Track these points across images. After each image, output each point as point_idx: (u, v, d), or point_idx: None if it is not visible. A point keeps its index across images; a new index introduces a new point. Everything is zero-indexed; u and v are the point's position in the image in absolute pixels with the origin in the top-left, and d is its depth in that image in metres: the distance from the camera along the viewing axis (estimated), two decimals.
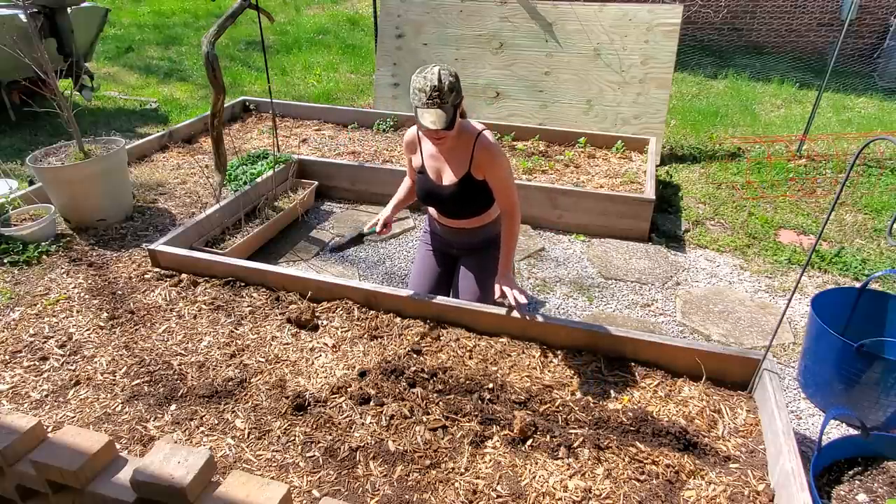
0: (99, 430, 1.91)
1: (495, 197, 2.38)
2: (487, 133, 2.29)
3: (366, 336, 2.47)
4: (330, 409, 2.10)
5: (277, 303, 2.69)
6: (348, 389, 2.17)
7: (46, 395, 2.21)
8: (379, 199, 4.14)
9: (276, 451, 1.94)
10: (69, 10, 5.17)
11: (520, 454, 1.92)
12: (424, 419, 2.04)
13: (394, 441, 1.96)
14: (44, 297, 2.82)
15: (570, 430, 2.01)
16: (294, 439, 1.99)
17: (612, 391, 2.20)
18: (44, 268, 3.09)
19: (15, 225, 3.32)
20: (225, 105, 4.01)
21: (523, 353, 2.38)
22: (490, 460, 1.90)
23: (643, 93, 4.77)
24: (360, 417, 2.06)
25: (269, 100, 4.80)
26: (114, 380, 2.27)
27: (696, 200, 4.26)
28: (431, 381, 2.20)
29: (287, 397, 2.15)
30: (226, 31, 3.34)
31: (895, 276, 3.36)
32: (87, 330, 2.57)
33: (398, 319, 2.56)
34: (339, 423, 2.04)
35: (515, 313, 2.44)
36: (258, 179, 3.79)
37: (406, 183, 2.61)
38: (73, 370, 2.33)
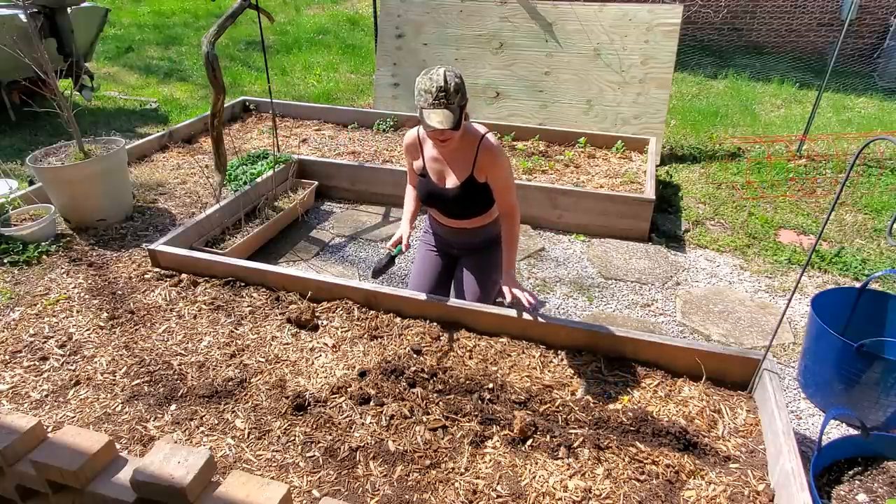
0: (99, 430, 1.91)
1: (495, 198, 2.38)
2: (490, 136, 2.30)
3: (366, 336, 2.47)
4: (330, 409, 2.10)
5: (277, 303, 2.69)
6: (348, 389, 2.17)
7: (46, 395, 2.21)
8: (379, 199, 4.14)
9: (276, 451, 1.94)
10: (69, 10, 5.17)
11: (520, 454, 1.92)
12: (424, 419, 2.04)
13: (394, 441, 1.96)
14: (44, 297, 2.82)
15: (570, 430, 2.01)
16: (294, 439, 1.99)
17: (612, 391, 2.20)
18: (44, 268, 3.09)
19: (15, 225, 3.32)
20: (225, 105, 4.01)
21: (523, 353, 2.38)
22: (490, 460, 1.90)
23: (643, 93, 4.77)
24: (360, 417, 2.06)
25: (269, 100, 4.80)
26: (114, 380, 2.27)
27: (696, 200, 4.26)
28: (431, 381, 2.20)
29: (287, 397, 2.15)
30: (226, 31, 3.34)
31: (895, 276, 3.36)
32: (87, 330, 2.57)
33: (398, 319, 2.56)
34: (339, 423, 2.04)
35: (526, 315, 2.43)
36: (258, 179, 3.79)
37: (411, 192, 2.58)
38: (73, 370, 2.33)
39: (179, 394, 2.19)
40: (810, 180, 4.51)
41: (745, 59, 7.79)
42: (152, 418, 2.09)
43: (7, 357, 2.41)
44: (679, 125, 5.71)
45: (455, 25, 5.21)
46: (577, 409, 2.10)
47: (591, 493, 1.79)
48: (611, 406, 2.13)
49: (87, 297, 2.81)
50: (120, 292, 2.82)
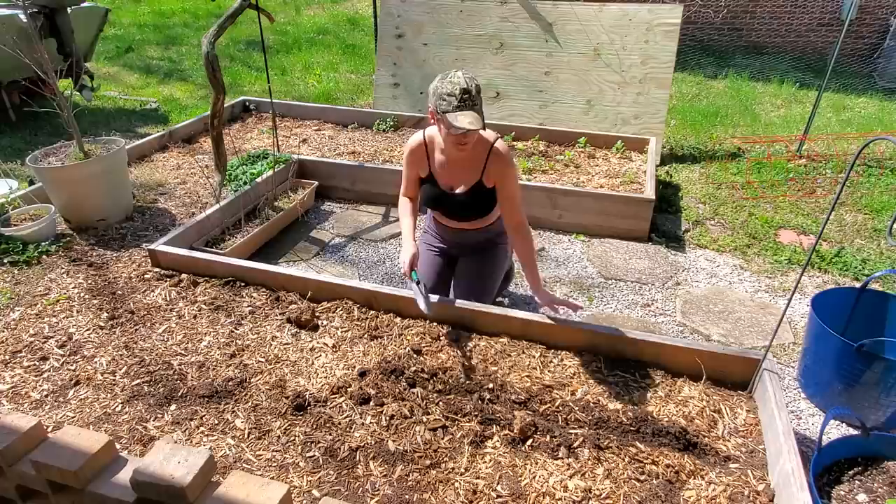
0: (99, 430, 1.91)
1: (504, 211, 2.37)
2: (501, 142, 2.31)
3: (366, 336, 2.47)
4: (330, 409, 2.10)
5: (277, 303, 2.69)
6: (348, 389, 2.17)
7: (46, 395, 2.21)
8: (379, 199, 4.14)
9: (276, 451, 1.94)
10: (69, 10, 5.17)
11: (520, 454, 1.92)
12: (424, 419, 2.04)
13: (394, 441, 1.96)
14: (44, 297, 2.82)
15: (570, 430, 2.01)
16: (294, 439, 1.99)
17: (612, 391, 2.20)
18: (44, 268, 3.09)
19: (15, 225, 3.32)
20: (225, 105, 4.01)
21: (523, 353, 2.38)
22: (490, 460, 1.90)
23: (643, 93, 4.77)
24: (360, 417, 2.06)
25: (269, 100, 4.80)
26: (114, 380, 2.27)
27: (696, 200, 4.26)
28: (431, 381, 2.20)
29: (287, 397, 2.15)
30: (226, 31, 3.34)
31: (895, 276, 3.36)
32: (87, 330, 2.57)
33: (398, 319, 2.56)
34: (339, 423, 2.04)
35: (561, 313, 2.40)
36: (258, 179, 3.79)
37: (407, 206, 2.50)
38: (73, 370, 2.33)
39: (179, 394, 2.19)
40: (810, 180, 4.51)
41: (745, 59, 7.79)
42: (152, 418, 2.09)
43: (7, 357, 2.41)
44: (679, 125, 5.71)
45: (455, 25, 5.21)
46: (577, 409, 2.10)
47: (591, 493, 1.79)
48: (611, 406, 2.13)
49: (87, 297, 2.81)
50: (120, 292, 2.82)
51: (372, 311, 2.61)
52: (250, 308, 2.66)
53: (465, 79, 2.07)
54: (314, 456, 1.92)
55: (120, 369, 2.33)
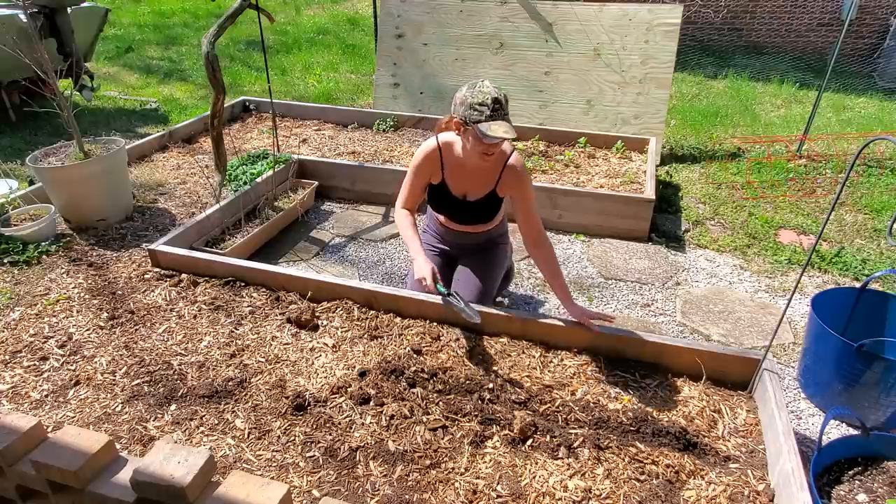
0: (99, 430, 1.91)
1: (522, 223, 2.36)
2: (517, 155, 2.33)
3: (366, 336, 2.47)
4: (330, 409, 2.10)
5: (277, 303, 2.69)
6: (348, 389, 2.17)
7: (46, 395, 2.21)
8: (379, 199, 4.14)
9: (276, 451, 1.94)
10: (69, 10, 5.17)
11: (520, 454, 1.92)
12: (424, 419, 2.04)
13: (394, 441, 1.96)
14: (44, 297, 2.82)
15: (570, 430, 2.01)
16: (294, 439, 1.99)
17: (612, 391, 2.20)
18: (44, 268, 3.09)
19: (15, 225, 3.32)
20: (225, 105, 4.01)
21: (523, 353, 2.38)
22: (490, 460, 1.90)
23: (643, 93, 4.77)
24: (360, 417, 2.06)
25: (269, 100, 4.80)
26: (114, 380, 2.27)
27: (696, 200, 4.26)
28: (431, 381, 2.20)
29: (287, 397, 2.15)
30: (226, 31, 3.34)
31: (895, 276, 3.36)
32: (87, 330, 2.57)
33: (398, 319, 2.56)
34: (339, 423, 2.04)
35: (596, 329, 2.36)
36: (258, 179, 3.79)
37: (408, 218, 2.43)
38: (73, 370, 2.33)
39: (179, 394, 2.19)
40: (810, 180, 4.51)
41: (745, 59, 7.79)
42: (152, 418, 2.09)
43: (7, 357, 2.41)
44: (679, 125, 5.71)
45: (455, 25, 5.21)
46: (577, 409, 2.10)
47: (591, 493, 1.79)
48: (611, 406, 2.13)
49: (87, 297, 2.81)
50: (120, 292, 2.82)
51: (372, 311, 2.61)
52: (250, 308, 2.66)
53: (493, 88, 2.07)
54: (314, 456, 1.92)
55: (120, 369, 2.33)
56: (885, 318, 2.60)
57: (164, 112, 6.02)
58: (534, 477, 1.84)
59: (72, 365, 2.36)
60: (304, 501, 1.78)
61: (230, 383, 2.22)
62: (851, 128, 5.64)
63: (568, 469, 1.87)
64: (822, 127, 5.64)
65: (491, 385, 2.19)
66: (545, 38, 4.99)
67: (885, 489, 1.96)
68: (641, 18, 4.75)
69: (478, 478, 1.84)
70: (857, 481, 2.00)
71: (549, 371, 2.30)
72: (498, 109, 2.05)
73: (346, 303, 2.65)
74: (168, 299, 2.74)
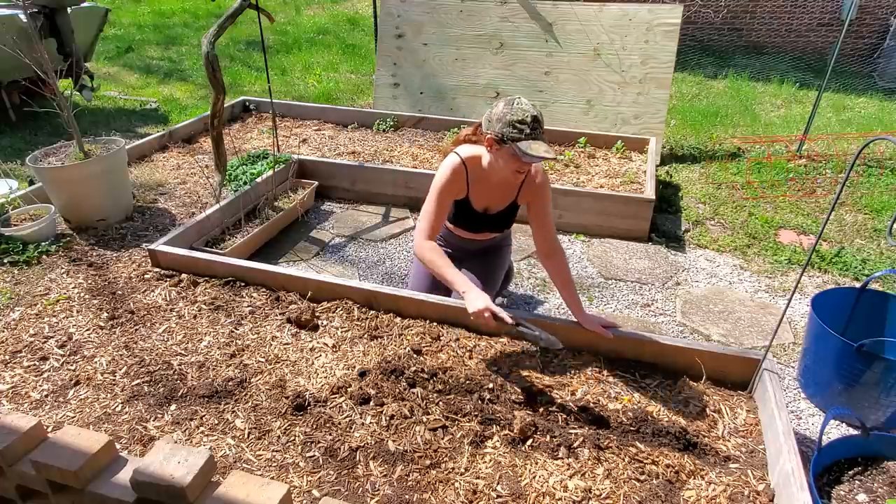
0: (99, 430, 1.91)
1: (538, 229, 2.32)
2: (538, 164, 2.31)
3: (366, 336, 2.47)
4: (330, 409, 2.10)
5: (277, 303, 2.69)
6: (348, 389, 2.17)
7: (46, 395, 2.21)
8: (379, 199, 4.14)
9: (276, 451, 1.94)
10: (69, 10, 5.17)
11: (520, 454, 1.92)
12: (424, 419, 2.04)
13: (394, 441, 1.96)
14: (44, 297, 2.82)
15: (570, 430, 2.01)
16: (294, 439, 1.99)
17: (612, 391, 2.20)
18: (44, 268, 3.09)
19: (15, 225, 3.32)
20: (225, 105, 4.01)
21: (523, 353, 2.38)
22: (490, 460, 1.90)
23: (643, 93, 4.77)
24: (360, 417, 2.06)
25: (269, 100, 4.80)
26: (114, 380, 2.27)
27: (696, 200, 4.26)
28: (431, 381, 2.20)
29: (287, 397, 2.15)
30: (226, 31, 3.34)
31: (895, 276, 3.36)
32: (87, 330, 2.57)
33: (398, 319, 2.56)
34: (339, 423, 2.04)
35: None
36: (258, 179, 3.79)
37: (439, 250, 2.21)
38: (73, 370, 2.33)
39: (179, 394, 2.19)
40: (810, 180, 4.51)
41: (745, 59, 7.79)
42: (152, 418, 2.09)
43: (7, 357, 2.41)
44: (679, 125, 5.71)
45: (455, 25, 5.21)
46: (577, 409, 2.10)
47: (591, 493, 1.79)
48: (611, 406, 2.13)
49: (87, 297, 2.81)
50: (120, 292, 2.82)
51: (372, 311, 2.61)
52: (250, 308, 2.66)
53: (531, 106, 2.04)
54: (314, 456, 1.92)
55: (120, 369, 2.33)
56: (885, 318, 2.60)
57: (164, 112, 6.02)
58: (534, 477, 1.84)
59: (72, 365, 2.36)
60: (304, 501, 1.78)
61: (230, 383, 2.22)
62: (851, 128, 5.64)
63: (568, 469, 1.87)
64: (822, 127, 5.64)
65: (491, 385, 2.19)
66: (545, 38, 4.99)
67: (885, 489, 1.96)
68: (641, 18, 4.75)
69: (478, 478, 1.84)
70: (857, 481, 2.00)
71: (548, 371, 2.30)
72: (536, 128, 2.02)
73: (346, 303, 2.65)
74: (168, 299, 2.74)
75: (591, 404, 2.13)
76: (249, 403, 2.14)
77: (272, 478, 1.85)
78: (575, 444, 1.95)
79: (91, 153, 3.45)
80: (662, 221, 3.95)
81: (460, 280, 2.11)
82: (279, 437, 2.00)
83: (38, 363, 2.38)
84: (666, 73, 4.71)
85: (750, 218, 3.98)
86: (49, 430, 2.01)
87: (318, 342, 2.46)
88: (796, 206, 4.14)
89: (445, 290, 2.66)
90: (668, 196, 4.29)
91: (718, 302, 3.18)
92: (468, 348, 2.40)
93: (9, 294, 2.85)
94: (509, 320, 2.04)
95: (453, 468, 1.87)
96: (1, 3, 5.12)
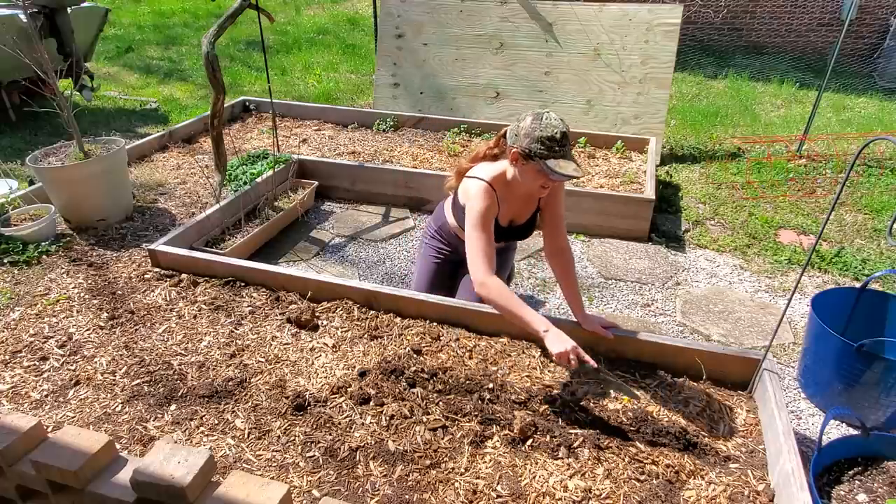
0: (99, 430, 1.91)
1: (551, 230, 2.32)
2: None
3: (366, 336, 2.47)
4: (330, 409, 2.10)
5: (277, 303, 2.69)
6: (348, 389, 2.17)
7: (46, 395, 2.21)
8: (379, 199, 4.14)
9: (276, 451, 1.95)
10: (69, 10, 5.17)
11: (520, 454, 1.92)
12: (424, 419, 2.04)
13: (394, 441, 1.96)
14: (44, 297, 2.82)
15: (570, 430, 2.01)
16: (294, 439, 1.99)
17: (612, 391, 2.20)
18: (44, 268, 3.09)
19: (15, 225, 3.32)
20: (225, 105, 4.01)
21: (523, 353, 2.38)
22: (490, 460, 1.90)
23: (643, 93, 4.77)
24: (360, 417, 2.06)
25: (269, 100, 4.80)
26: (114, 380, 2.27)
27: (696, 200, 4.26)
28: (431, 381, 2.20)
29: (287, 397, 2.15)
30: (226, 31, 3.34)
31: (895, 276, 3.36)
32: (87, 330, 2.57)
33: (398, 319, 2.56)
34: (339, 423, 2.04)
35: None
36: (258, 179, 3.79)
37: (506, 287, 2.09)
38: (73, 370, 2.33)
39: (179, 394, 2.19)
40: (810, 180, 4.51)
41: (745, 59, 7.79)
42: (152, 418, 2.09)
43: (7, 357, 2.41)
44: (679, 125, 5.71)
45: (455, 25, 5.21)
46: (577, 409, 2.10)
47: (591, 493, 1.79)
48: (611, 406, 2.13)
49: (87, 297, 2.81)
50: (120, 292, 2.82)
51: (372, 311, 2.61)
52: (250, 308, 2.66)
53: (560, 121, 1.99)
54: (314, 456, 1.92)
55: (120, 369, 2.33)
56: (885, 318, 2.60)
57: (164, 112, 6.02)
58: (534, 477, 1.84)
59: (72, 365, 2.36)
60: (304, 501, 1.78)
61: (230, 383, 2.22)
62: (851, 128, 5.64)
63: (568, 469, 1.87)
64: (822, 127, 5.64)
65: (491, 385, 2.19)
66: (545, 38, 4.99)
67: (885, 489, 1.96)
68: (641, 18, 4.75)
69: (478, 478, 1.84)
70: (857, 481, 2.00)
71: (549, 371, 2.30)
72: (565, 144, 1.98)
73: (346, 303, 2.65)
74: (168, 299, 2.74)
75: (591, 404, 2.13)
76: (249, 403, 2.14)
77: (272, 478, 1.85)
78: (575, 444, 1.95)
79: (91, 153, 3.45)
80: (662, 221, 3.95)
81: (539, 320, 1.99)
82: (279, 437, 2.00)
83: (38, 363, 2.38)
84: (666, 73, 4.71)
85: (750, 218, 3.98)
86: (49, 430, 2.01)
87: (318, 342, 2.46)
88: (796, 206, 4.14)
89: (448, 290, 2.66)
90: (668, 196, 4.29)
91: (718, 302, 3.18)
92: (468, 348, 2.40)
93: (9, 294, 2.85)
94: (594, 364, 1.95)
95: (453, 468, 1.87)
96: (1, 3, 5.12)
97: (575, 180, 2.01)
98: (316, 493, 1.80)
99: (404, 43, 5.35)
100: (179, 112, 6.00)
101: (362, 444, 1.95)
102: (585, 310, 2.33)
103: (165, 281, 2.87)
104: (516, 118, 2.10)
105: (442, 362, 2.32)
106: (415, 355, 2.33)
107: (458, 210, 2.36)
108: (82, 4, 5.37)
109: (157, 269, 2.98)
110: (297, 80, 7.07)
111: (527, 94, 5.07)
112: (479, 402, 2.11)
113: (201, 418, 2.08)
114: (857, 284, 2.97)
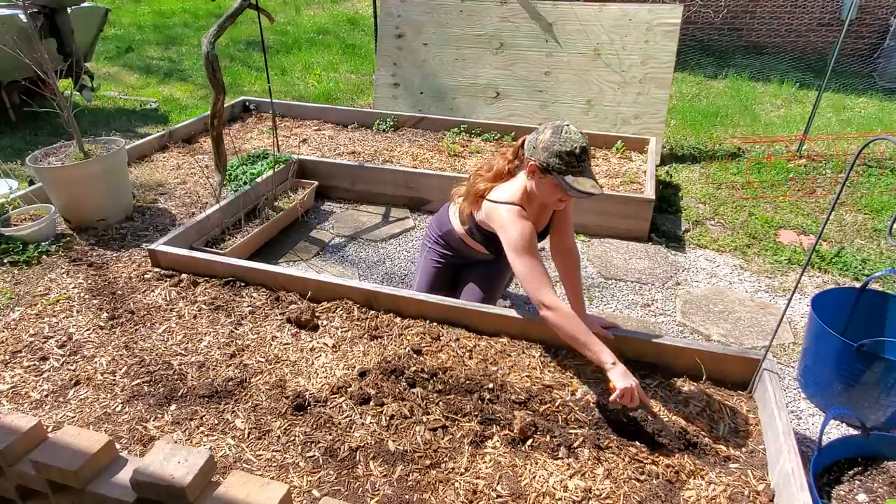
0: (99, 430, 1.91)
1: (559, 232, 2.32)
2: None
3: (366, 336, 2.47)
4: (330, 409, 2.10)
5: (277, 303, 2.69)
6: (348, 389, 2.17)
7: (46, 395, 2.21)
8: (379, 199, 4.14)
9: (276, 451, 1.95)
10: (69, 10, 5.17)
11: (520, 454, 1.92)
12: (424, 419, 2.04)
13: (394, 441, 1.96)
14: (44, 297, 2.82)
15: (570, 430, 2.01)
16: (294, 439, 1.99)
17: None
18: (44, 268, 3.09)
19: (15, 225, 3.32)
20: (225, 105, 4.01)
21: (523, 353, 2.38)
22: (490, 460, 1.90)
23: (643, 93, 4.77)
24: (360, 417, 2.06)
25: (269, 100, 4.80)
26: (114, 380, 2.27)
27: (696, 200, 4.26)
28: (431, 381, 2.20)
29: (287, 397, 2.15)
30: (226, 31, 3.34)
31: (895, 276, 3.36)
32: (87, 330, 2.57)
33: (398, 319, 2.56)
34: (339, 423, 2.04)
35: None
36: (258, 179, 3.79)
37: (576, 316, 2.05)
38: (73, 370, 2.33)
39: (179, 394, 2.19)
40: (810, 180, 4.51)
41: (745, 59, 7.79)
42: (152, 418, 2.09)
43: (7, 357, 2.41)
44: (679, 125, 5.71)
45: (455, 25, 5.21)
46: (577, 409, 2.10)
47: (591, 493, 1.79)
48: (611, 406, 2.13)
49: (87, 297, 2.81)
50: (120, 292, 2.82)
51: (372, 311, 2.61)
52: (250, 308, 2.66)
53: (580, 135, 1.95)
54: (314, 456, 1.92)
55: (120, 369, 2.33)
56: (885, 318, 2.60)
57: (164, 112, 6.02)
58: (534, 477, 1.84)
59: (72, 365, 2.36)
60: (304, 501, 1.78)
61: (230, 383, 2.22)
62: (851, 128, 5.64)
63: (568, 469, 1.87)
64: (822, 127, 5.64)
65: (491, 385, 2.19)
66: (545, 38, 4.99)
67: (885, 489, 1.96)
68: (641, 18, 4.75)
69: (478, 478, 1.84)
70: (857, 481, 2.00)
71: (549, 371, 2.30)
72: (584, 160, 1.95)
73: (346, 303, 2.65)
74: (168, 299, 2.74)
75: (591, 404, 2.13)
76: (249, 403, 2.14)
77: (272, 478, 1.85)
78: (575, 444, 1.95)
79: (91, 153, 3.45)
80: (662, 221, 3.95)
81: (606, 352, 1.97)
82: (279, 437, 2.00)
83: (38, 363, 2.38)
84: (666, 73, 4.71)
85: (750, 218, 3.98)
86: (49, 430, 2.01)
87: (318, 342, 2.46)
88: (796, 206, 4.14)
89: (449, 290, 2.66)
90: (668, 196, 4.29)
91: (718, 302, 3.18)
92: (468, 348, 2.40)
93: (9, 294, 2.85)
94: (652, 409, 2.07)
95: (453, 468, 1.87)
96: (1, 3, 5.12)
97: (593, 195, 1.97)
98: (316, 493, 1.80)
99: (404, 43, 5.35)
100: (179, 112, 5.99)
101: (362, 444, 1.95)
102: (586, 310, 2.33)
103: (165, 281, 2.87)
104: (536, 130, 2.05)
105: (442, 362, 2.32)
106: (415, 355, 2.33)
107: (475, 227, 2.34)
108: (82, 4, 5.37)
109: (157, 269, 2.98)
110: (297, 80, 7.07)
111: (527, 94, 5.07)
112: (479, 402, 2.11)
113: (201, 418, 2.08)
114: (857, 284, 2.97)
